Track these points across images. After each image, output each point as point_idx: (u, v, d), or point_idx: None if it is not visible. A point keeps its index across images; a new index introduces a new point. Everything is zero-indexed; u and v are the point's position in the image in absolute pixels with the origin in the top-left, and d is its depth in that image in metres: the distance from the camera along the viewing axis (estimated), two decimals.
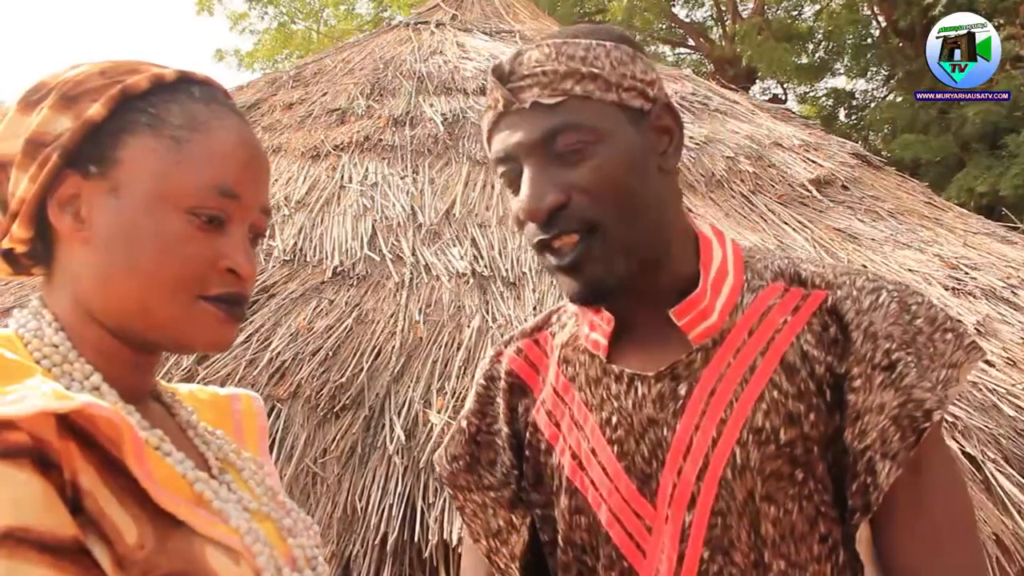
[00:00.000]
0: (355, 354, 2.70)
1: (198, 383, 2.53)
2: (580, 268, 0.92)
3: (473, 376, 2.67)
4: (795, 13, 12.06)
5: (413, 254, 3.24)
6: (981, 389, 2.57)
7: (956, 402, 2.53)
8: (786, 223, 3.59)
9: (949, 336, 0.92)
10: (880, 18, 10.57)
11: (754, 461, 0.89)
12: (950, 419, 2.48)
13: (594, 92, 0.92)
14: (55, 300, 0.76)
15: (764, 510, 0.89)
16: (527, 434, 1.04)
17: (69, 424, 0.63)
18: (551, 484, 1.01)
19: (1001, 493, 2.31)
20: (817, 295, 0.95)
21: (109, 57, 0.80)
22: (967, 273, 3.25)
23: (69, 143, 0.73)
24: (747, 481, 0.89)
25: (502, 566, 1.05)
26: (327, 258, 3.20)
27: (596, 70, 0.93)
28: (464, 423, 1.09)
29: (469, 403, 1.10)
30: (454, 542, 2.17)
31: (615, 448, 0.95)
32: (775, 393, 0.91)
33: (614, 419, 0.96)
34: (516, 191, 0.95)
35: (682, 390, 0.93)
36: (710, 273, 0.97)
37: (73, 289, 0.75)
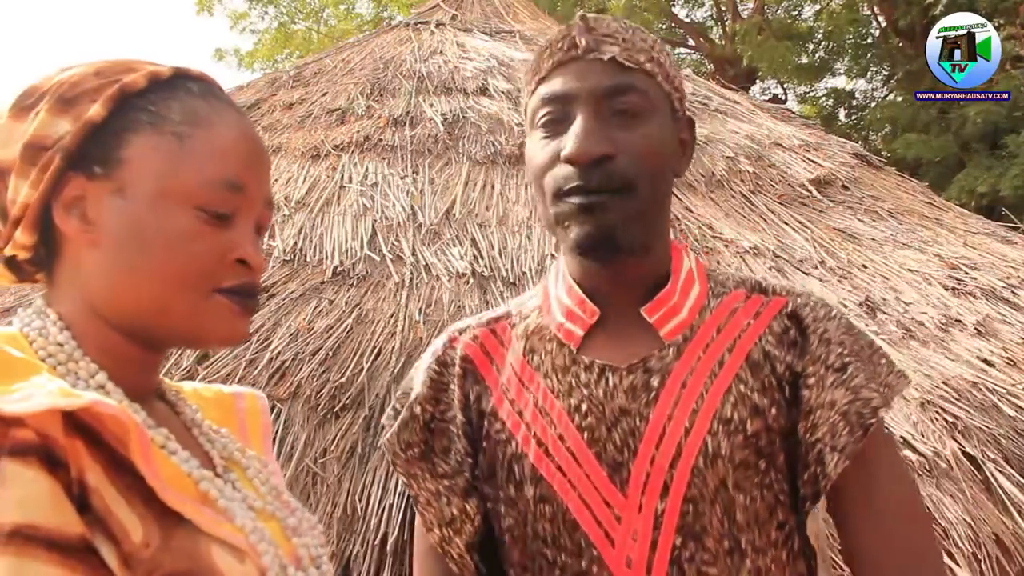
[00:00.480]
0: (355, 354, 2.70)
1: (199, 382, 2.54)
2: (603, 213, 0.95)
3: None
4: (795, 13, 12.06)
5: (413, 254, 3.24)
6: (981, 389, 2.57)
7: (956, 402, 2.53)
8: (786, 223, 3.59)
9: (883, 361, 1.01)
10: (880, 18, 10.57)
11: (724, 450, 0.93)
12: (950, 419, 2.48)
13: (657, 75, 1.00)
14: (60, 300, 0.75)
15: (736, 497, 0.93)
16: (484, 423, 1.03)
17: (75, 422, 0.63)
18: (507, 475, 0.99)
19: (1001, 493, 2.31)
20: (778, 301, 1.03)
21: (103, 57, 0.79)
22: (967, 273, 3.25)
23: (71, 145, 0.72)
24: (719, 469, 0.93)
25: (456, 556, 1.03)
26: (327, 258, 3.20)
27: (661, 60, 1.01)
28: (417, 409, 1.06)
29: (420, 388, 1.07)
30: None
31: (585, 435, 0.96)
32: (741, 387, 0.96)
33: (583, 406, 0.97)
34: (551, 134, 0.98)
35: (655, 382, 0.97)
36: (680, 277, 1.03)
37: (81, 291, 0.74)
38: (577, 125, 0.95)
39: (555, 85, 0.98)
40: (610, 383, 0.97)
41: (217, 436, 0.84)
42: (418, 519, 1.08)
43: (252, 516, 0.75)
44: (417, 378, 1.09)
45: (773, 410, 0.96)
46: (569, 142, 0.95)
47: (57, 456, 0.60)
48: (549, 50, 1.01)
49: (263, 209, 0.80)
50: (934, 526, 2.14)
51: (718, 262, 3.23)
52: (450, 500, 1.03)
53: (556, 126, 0.98)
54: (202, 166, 0.74)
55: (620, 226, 0.95)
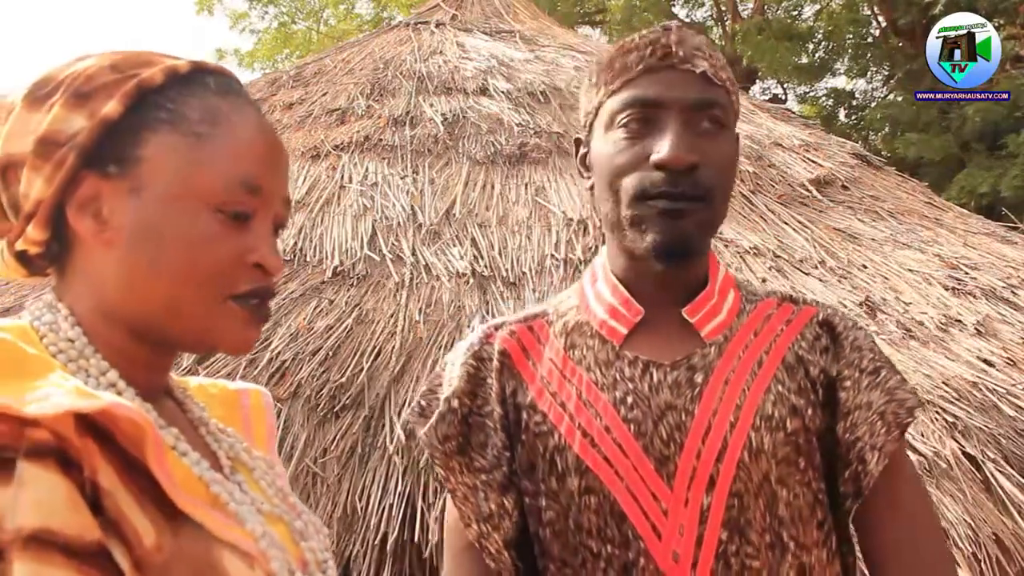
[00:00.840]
0: (355, 354, 2.70)
1: None
2: (682, 219, 0.98)
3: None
4: (795, 13, 12.05)
5: (413, 254, 3.24)
6: (981, 389, 2.57)
7: (956, 402, 2.53)
8: (786, 223, 3.59)
9: (899, 376, 1.05)
10: (880, 18, 10.57)
11: (768, 445, 0.96)
12: (950, 419, 2.48)
13: (732, 94, 1.04)
14: (71, 297, 0.74)
15: (779, 492, 0.96)
16: (523, 416, 1.03)
17: (87, 421, 0.61)
18: (549, 468, 1.00)
19: (1001, 493, 2.31)
20: (808, 310, 1.08)
21: (118, 48, 0.77)
22: (967, 273, 3.25)
23: (86, 143, 0.70)
24: (762, 464, 0.96)
25: (493, 552, 1.02)
26: (327, 258, 3.20)
27: (733, 80, 1.06)
28: (455, 403, 1.06)
29: (457, 383, 1.07)
30: None
31: (631, 427, 0.97)
32: (780, 387, 1.00)
33: (629, 399, 0.99)
34: (635, 136, 1.00)
35: (698, 378, 0.99)
36: (717, 280, 1.07)
37: (93, 288, 0.73)
38: (671, 132, 0.97)
39: (646, 89, 1.00)
40: (655, 378, 0.99)
41: (224, 436, 0.82)
42: (454, 514, 1.07)
43: (261, 520, 0.74)
44: (452, 372, 1.09)
45: (809, 411, 1.00)
46: (664, 148, 0.97)
47: (71, 457, 0.59)
48: (637, 53, 1.02)
49: (280, 208, 0.78)
50: None
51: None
52: (487, 495, 1.03)
53: (642, 130, 0.99)
54: (221, 166, 0.72)
55: (695, 233, 0.99)
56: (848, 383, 1.01)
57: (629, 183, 0.99)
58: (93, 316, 0.73)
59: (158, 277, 0.71)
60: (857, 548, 1.04)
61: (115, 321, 0.73)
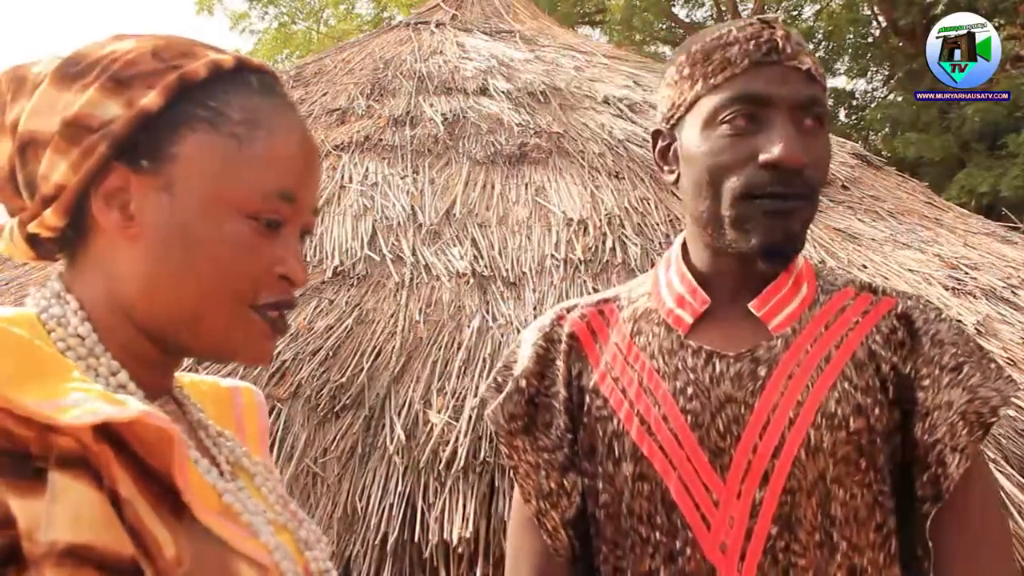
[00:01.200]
0: (355, 354, 2.70)
1: None
2: (790, 219, 0.97)
3: (474, 374, 2.68)
4: (795, 13, 12.06)
5: (413, 254, 3.24)
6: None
7: None
8: None
9: (993, 365, 1.01)
10: (880, 18, 10.57)
11: (827, 444, 0.94)
12: None
13: (826, 91, 1.04)
14: (82, 288, 0.70)
15: (834, 492, 0.94)
16: (586, 399, 1.04)
17: (104, 427, 0.58)
18: (607, 452, 1.01)
19: (1001, 493, 2.31)
20: (887, 301, 1.04)
21: (160, 32, 0.73)
22: (967, 273, 3.25)
23: (120, 133, 0.67)
24: (819, 462, 0.94)
25: (550, 528, 1.05)
26: (327, 258, 3.20)
27: (824, 78, 1.05)
28: (523, 383, 1.08)
29: (526, 363, 1.09)
30: (454, 542, 2.17)
31: (688, 418, 0.98)
32: (846, 384, 0.97)
33: (689, 390, 0.99)
34: (740, 133, 0.98)
35: (762, 372, 0.98)
36: (792, 272, 1.04)
37: (108, 283, 0.69)
38: (783, 130, 0.96)
39: (755, 85, 0.97)
40: (717, 369, 0.99)
41: (223, 440, 0.79)
42: (517, 491, 1.10)
43: (271, 531, 0.72)
44: (523, 352, 1.11)
45: (876, 410, 0.97)
46: (777, 147, 0.95)
47: (91, 464, 0.56)
48: (740, 47, 0.99)
49: (309, 217, 0.75)
50: None
51: None
52: (548, 474, 1.05)
53: (748, 127, 0.97)
54: (259, 173, 0.69)
55: (800, 232, 0.99)
56: (927, 381, 0.97)
57: (735, 182, 0.97)
58: (104, 310, 0.69)
59: (183, 282, 0.68)
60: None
61: (127, 318, 0.70)
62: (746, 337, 1.01)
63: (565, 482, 1.04)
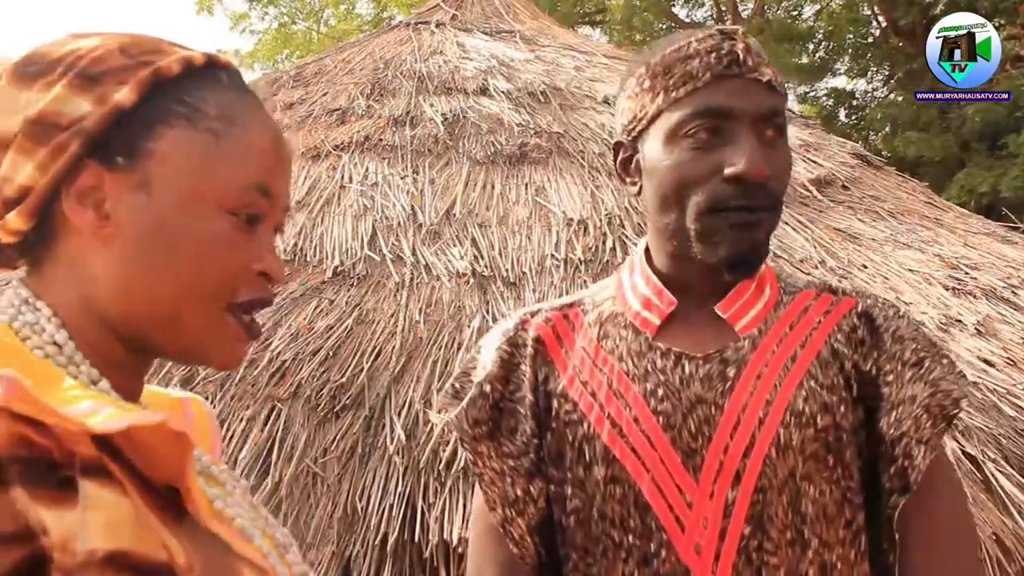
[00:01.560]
0: (355, 354, 2.70)
1: (197, 384, 2.54)
2: (755, 230, 0.99)
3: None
4: (795, 13, 12.06)
5: (413, 254, 3.24)
6: (981, 389, 2.57)
7: None
8: (786, 223, 3.59)
9: (946, 362, 1.02)
10: (880, 18, 10.56)
11: (796, 441, 0.95)
12: None
13: (786, 99, 1.05)
14: (52, 293, 0.67)
15: (804, 489, 0.95)
16: (553, 404, 1.04)
17: (100, 440, 0.56)
18: (577, 456, 1.01)
19: (1001, 493, 2.31)
20: (847, 301, 1.05)
21: (123, 29, 0.71)
22: (967, 273, 3.25)
23: (93, 130, 0.65)
24: (789, 460, 0.95)
25: (516, 536, 1.04)
26: (327, 258, 3.20)
27: (783, 84, 1.06)
28: (487, 387, 1.07)
29: (490, 367, 1.08)
30: (454, 542, 2.17)
31: (660, 419, 0.98)
32: (812, 383, 0.98)
33: (660, 391, 0.99)
34: (704, 147, 0.98)
35: (731, 372, 0.99)
36: (756, 274, 1.05)
37: (80, 287, 0.67)
38: (746, 143, 0.96)
39: (717, 98, 0.98)
40: (686, 371, 0.99)
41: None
42: (479, 498, 1.08)
43: (260, 535, 0.71)
44: (486, 357, 1.10)
45: (842, 408, 0.99)
46: (742, 161, 0.95)
47: (114, 474, 0.55)
48: (701, 59, 0.99)
49: (282, 214, 0.75)
50: None
51: None
52: (514, 480, 1.04)
53: (711, 140, 0.98)
54: (237, 167, 0.69)
55: (765, 241, 1.01)
56: (891, 377, 0.99)
57: (700, 195, 0.98)
58: (79, 316, 0.67)
59: (162, 281, 0.66)
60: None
61: (99, 322, 0.68)
62: (713, 338, 1.01)
63: (531, 488, 1.03)
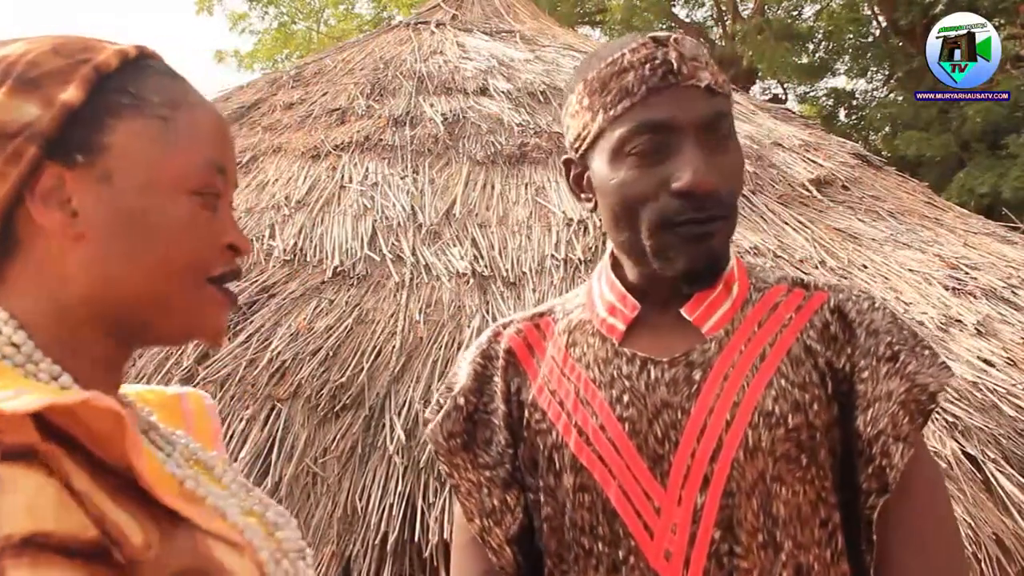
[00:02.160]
0: (355, 354, 2.70)
1: (198, 384, 2.54)
2: (710, 241, 0.97)
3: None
4: (795, 13, 12.05)
5: (413, 254, 3.24)
6: (981, 389, 2.57)
7: (956, 402, 2.53)
8: (786, 223, 3.59)
9: (927, 352, 1.00)
10: (881, 17, 10.56)
11: (765, 443, 0.94)
12: (950, 419, 2.48)
13: (731, 96, 1.01)
14: (13, 300, 0.68)
15: (775, 490, 0.94)
16: (525, 413, 1.04)
17: (49, 427, 0.59)
18: (547, 465, 1.01)
19: (1001, 493, 2.31)
20: (819, 295, 1.03)
21: (42, 33, 0.72)
22: (967, 273, 3.25)
23: (48, 131, 0.66)
24: (758, 462, 0.93)
25: (495, 546, 1.04)
26: (327, 258, 3.20)
27: (727, 81, 1.02)
28: (461, 400, 1.08)
29: (464, 381, 1.09)
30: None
31: (626, 426, 0.97)
32: (783, 381, 0.96)
33: (625, 397, 0.98)
34: (648, 163, 0.96)
35: (696, 375, 0.97)
36: (723, 274, 1.03)
37: (48, 287, 0.68)
38: (691, 155, 0.94)
39: (655, 112, 0.95)
40: (652, 376, 0.98)
41: (176, 437, 0.79)
42: (458, 509, 1.09)
43: (238, 512, 0.72)
44: (461, 371, 1.11)
45: (815, 406, 0.96)
46: (686, 175, 0.93)
47: (43, 459, 0.57)
48: (635, 73, 0.96)
49: (232, 189, 0.77)
50: None
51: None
52: (491, 491, 1.04)
53: (654, 155, 0.95)
54: (191, 147, 0.71)
55: (721, 250, 0.99)
56: (866, 373, 0.97)
57: (649, 212, 0.96)
58: (44, 316, 0.68)
59: (142, 264, 0.69)
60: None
61: (76, 320, 0.69)
62: (680, 342, 1.00)
63: (508, 498, 1.04)
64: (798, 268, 3.25)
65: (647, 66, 0.96)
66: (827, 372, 0.98)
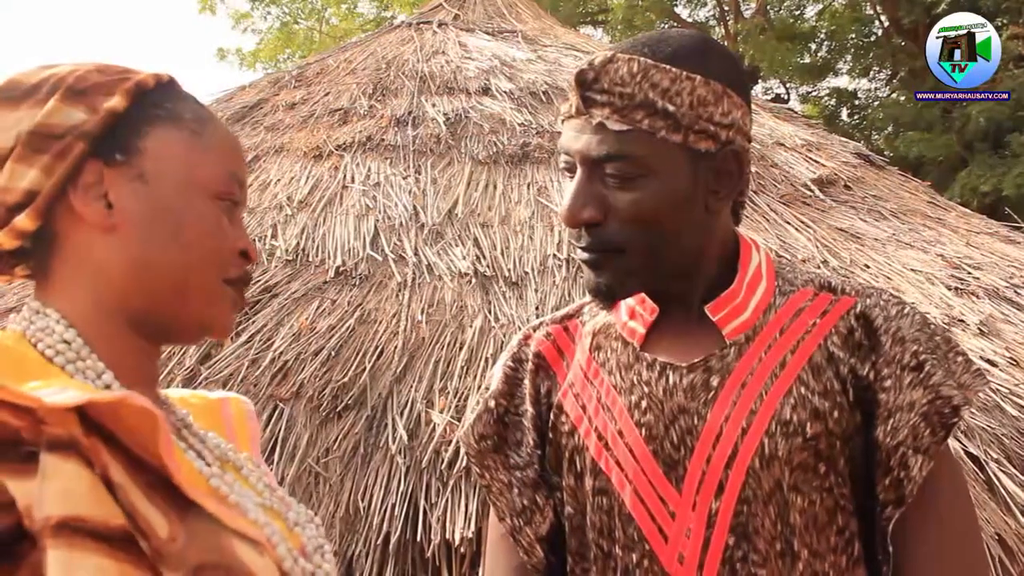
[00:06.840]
0: (357, 354, 2.71)
1: (200, 383, 2.54)
2: (599, 270, 0.98)
3: (476, 374, 2.69)
4: (797, 13, 12.05)
5: (415, 254, 3.24)
6: (984, 389, 2.57)
7: None
8: (788, 223, 3.59)
9: (960, 359, 0.98)
10: (883, 17, 10.56)
11: (782, 451, 0.93)
12: None
13: (660, 130, 0.93)
14: (60, 298, 0.76)
15: (792, 499, 0.94)
16: (551, 416, 1.06)
17: (90, 420, 0.63)
18: (569, 467, 1.03)
19: (1004, 493, 2.31)
20: (846, 301, 1.00)
21: (87, 59, 0.82)
22: (970, 273, 3.25)
23: (94, 132, 0.75)
24: (774, 470, 0.93)
25: (525, 545, 1.06)
26: (329, 258, 3.20)
27: (672, 108, 0.93)
28: (492, 403, 1.11)
29: (496, 384, 1.13)
30: (456, 542, 2.17)
31: (643, 431, 0.98)
32: (803, 389, 0.95)
33: (643, 403, 0.99)
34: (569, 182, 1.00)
35: (714, 381, 0.97)
36: (747, 274, 1.02)
37: (89, 283, 0.76)
38: (569, 188, 0.97)
39: (563, 138, 0.99)
40: (670, 381, 0.99)
41: (209, 436, 0.85)
42: (492, 509, 1.12)
43: (260, 511, 0.76)
44: (495, 375, 1.14)
45: (835, 413, 0.95)
46: (562, 203, 0.98)
47: (83, 451, 0.61)
48: (568, 95, 1.00)
49: (246, 202, 0.86)
50: None
51: None
52: (521, 491, 1.07)
53: (570, 175, 0.99)
54: (217, 159, 0.80)
55: (616, 283, 0.98)
56: (889, 382, 0.94)
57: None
58: (89, 314, 0.75)
59: (169, 259, 0.76)
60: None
61: (113, 314, 0.76)
62: (700, 346, 1.00)
63: (538, 498, 1.06)
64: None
65: (568, 91, 1.00)
66: (850, 379, 0.96)
